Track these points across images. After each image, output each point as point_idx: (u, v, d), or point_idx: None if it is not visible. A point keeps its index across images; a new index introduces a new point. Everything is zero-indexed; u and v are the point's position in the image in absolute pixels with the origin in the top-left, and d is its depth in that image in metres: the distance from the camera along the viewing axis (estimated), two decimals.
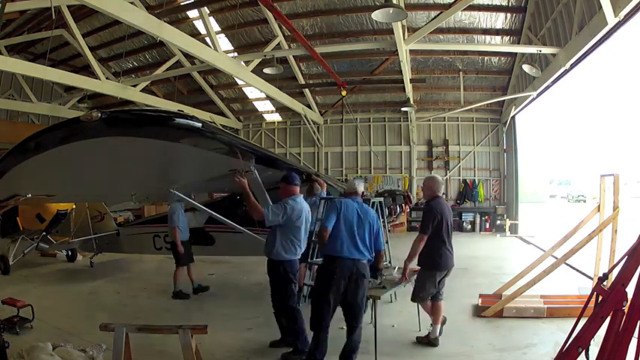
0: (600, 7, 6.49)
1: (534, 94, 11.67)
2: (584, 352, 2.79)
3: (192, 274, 7.12)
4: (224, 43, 13.62)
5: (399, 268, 5.17)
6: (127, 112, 3.22)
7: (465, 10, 10.78)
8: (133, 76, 16.00)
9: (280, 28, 12.80)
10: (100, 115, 2.84)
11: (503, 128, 15.79)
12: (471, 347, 4.54)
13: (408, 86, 13.66)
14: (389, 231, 6.71)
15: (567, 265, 6.59)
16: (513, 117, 15.03)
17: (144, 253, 8.64)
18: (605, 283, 2.91)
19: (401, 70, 12.38)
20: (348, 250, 3.76)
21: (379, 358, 4.14)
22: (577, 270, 7.49)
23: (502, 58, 13.86)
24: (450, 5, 10.44)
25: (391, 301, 6.14)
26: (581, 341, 2.80)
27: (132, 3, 8.37)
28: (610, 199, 5.49)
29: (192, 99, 17.48)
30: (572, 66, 8.90)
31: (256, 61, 11.56)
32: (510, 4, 11.55)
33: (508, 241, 13.40)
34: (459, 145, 16.47)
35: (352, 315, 3.85)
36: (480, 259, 10.07)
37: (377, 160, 17.11)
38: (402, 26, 9.61)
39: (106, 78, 11.99)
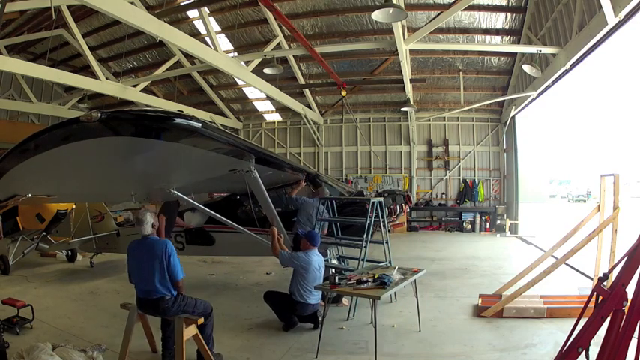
0: (600, 7, 6.48)
1: (534, 94, 11.66)
2: (584, 352, 2.80)
3: None
4: (224, 43, 13.62)
5: (399, 268, 5.17)
6: (126, 112, 3.19)
7: (465, 10, 10.78)
8: (133, 76, 15.99)
9: (280, 28, 12.80)
10: (99, 115, 2.83)
11: (503, 128, 15.79)
12: (470, 347, 4.54)
13: (408, 86, 13.65)
14: (389, 231, 6.70)
15: (567, 265, 6.60)
16: (513, 117, 15.01)
17: None
18: (605, 283, 2.91)
19: (401, 70, 12.37)
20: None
21: (379, 358, 4.14)
22: (577, 270, 7.50)
23: (502, 58, 13.86)
24: (450, 5, 10.44)
25: (391, 301, 6.14)
26: (581, 341, 2.81)
27: (132, 3, 8.37)
28: (610, 199, 5.49)
29: (192, 99, 17.48)
30: (572, 66, 8.89)
31: (256, 61, 11.56)
32: (510, 4, 11.54)
33: (508, 241, 13.39)
34: (459, 145, 16.47)
35: None
36: (480, 259, 10.07)
37: (377, 160, 17.10)
38: (402, 26, 9.60)
39: (106, 78, 11.98)
